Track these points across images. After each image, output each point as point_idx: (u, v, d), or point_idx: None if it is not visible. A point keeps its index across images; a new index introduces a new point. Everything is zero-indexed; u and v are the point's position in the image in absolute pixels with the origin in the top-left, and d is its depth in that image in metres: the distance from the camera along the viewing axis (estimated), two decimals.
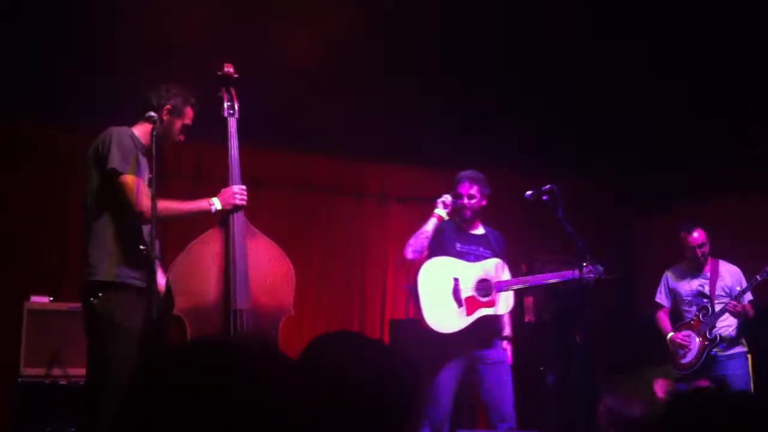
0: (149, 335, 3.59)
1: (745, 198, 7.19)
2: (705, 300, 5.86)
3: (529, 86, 6.55)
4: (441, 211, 5.09)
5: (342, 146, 7.32)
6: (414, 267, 5.02)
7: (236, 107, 4.13)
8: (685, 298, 5.93)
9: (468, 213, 5.15)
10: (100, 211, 3.81)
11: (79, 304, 3.91)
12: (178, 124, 4.02)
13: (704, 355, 5.70)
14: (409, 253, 5.01)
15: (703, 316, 5.78)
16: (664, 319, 6.04)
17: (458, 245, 5.09)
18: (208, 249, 3.92)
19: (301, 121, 6.72)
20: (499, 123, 6.84)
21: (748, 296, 5.76)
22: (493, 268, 5.07)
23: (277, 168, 7.31)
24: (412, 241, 5.03)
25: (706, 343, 5.71)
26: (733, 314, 5.69)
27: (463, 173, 5.23)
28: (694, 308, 5.89)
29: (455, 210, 5.14)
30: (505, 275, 5.08)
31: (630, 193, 8.21)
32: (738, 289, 5.73)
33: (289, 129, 6.77)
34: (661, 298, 6.09)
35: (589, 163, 7.61)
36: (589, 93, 6.38)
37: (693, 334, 5.79)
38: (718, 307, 5.77)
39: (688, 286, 5.94)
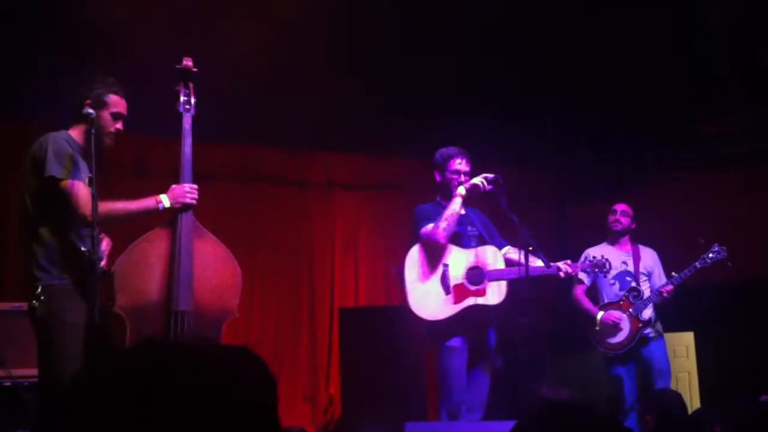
0: (93, 334, 3.56)
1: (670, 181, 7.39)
2: (629, 279, 5.92)
3: (477, 73, 6.62)
4: (463, 191, 4.87)
5: (285, 136, 7.27)
6: (432, 244, 4.84)
7: (193, 102, 4.07)
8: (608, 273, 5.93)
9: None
10: (41, 217, 3.77)
11: (21, 303, 3.89)
12: (105, 114, 3.86)
13: (637, 337, 5.77)
14: (443, 238, 4.82)
15: (633, 298, 5.82)
16: (583, 297, 6.01)
17: None
18: (153, 247, 3.87)
19: (244, 111, 6.69)
20: (446, 110, 6.87)
21: (665, 279, 5.86)
22: (486, 255, 4.93)
23: (220, 159, 7.23)
24: (443, 224, 4.80)
25: (639, 325, 5.78)
26: (658, 299, 5.79)
27: (455, 149, 5.06)
28: (617, 286, 5.93)
29: (448, 187, 4.97)
30: (499, 264, 4.93)
31: (569, 181, 8.33)
32: (674, 274, 5.75)
33: (232, 120, 6.71)
34: (582, 274, 5.95)
35: (530, 152, 7.70)
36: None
37: (623, 314, 5.82)
38: (642, 288, 5.86)
39: (611, 261, 5.74)
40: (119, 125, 3.92)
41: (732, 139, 7.24)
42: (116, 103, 3.91)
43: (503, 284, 4.89)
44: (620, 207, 6.12)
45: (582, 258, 5.95)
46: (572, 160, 8.05)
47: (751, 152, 7.02)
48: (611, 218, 6.09)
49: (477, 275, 4.88)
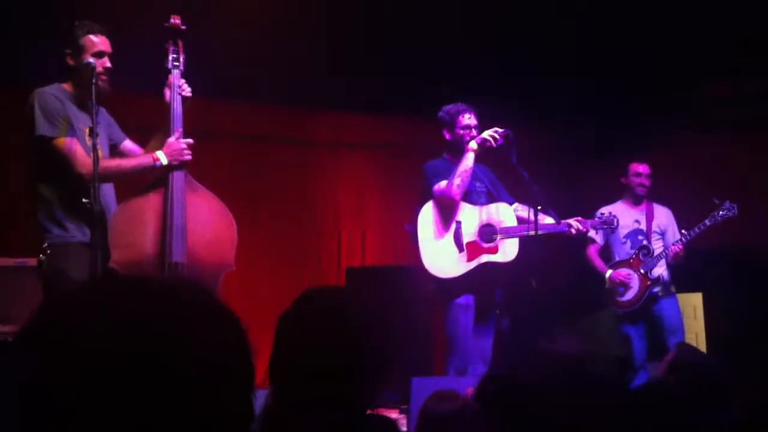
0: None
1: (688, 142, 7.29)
2: (641, 238, 5.86)
3: (491, 44, 6.54)
4: (475, 145, 4.79)
5: (291, 94, 7.21)
6: (445, 201, 4.79)
7: (181, 59, 4.03)
8: (620, 231, 5.85)
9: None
10: (39, 175, 3.79)
11: (25, 259, 3.90)
12: (87, 58, 3.76)
13: (646, 294, 5.72)
14: (458, 194, 4.76)
15: (643, 256, 5.77)
16: (595, 256, 5.97)
17: None
18: (147, 202, 3.84)
19: (249, 70, 6.62)
20: (454, 72, 6.78)
21: (678, 237, 5.79)
22: (499, 212, 4.89)
23: (225, 118, 7.18)
24: (457, 181, 4.73)
25: (648, 283, 5.72)
26: (670, 258, 5.73)
27: (462, 104, 4.97)
28: (628, 245, 5.88)
29: (459, 144, 4.88)
30: (511, 221, 4.88)
31: (582, 143, 8.24)
32: (683, 232, 5.70)
33: (237, 78, 6.65)
34: (593, 233, 5.92)
35: (539, 114, 7.60)
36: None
37: (633, 272, 5.77)
38: (653, 247, 5.80)
39: (624, 219, 5.80)
40: (105, 62, 3.83)
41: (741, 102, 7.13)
42: (94, 43, 3.82)
43: (515, 241, 4.84)
44: (644, 169, 5.97)
45: (596, 217, 5.90)
46: (581, 122, 7.93)
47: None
48: (636, 181, 5.94)
49: (489, 232, 4.84)
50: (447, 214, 4.84)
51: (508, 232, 4.84)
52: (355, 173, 7.88)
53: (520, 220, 4.89)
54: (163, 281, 1.01)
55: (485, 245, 4.82)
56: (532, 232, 4.71)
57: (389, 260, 7.77)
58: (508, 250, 4.83)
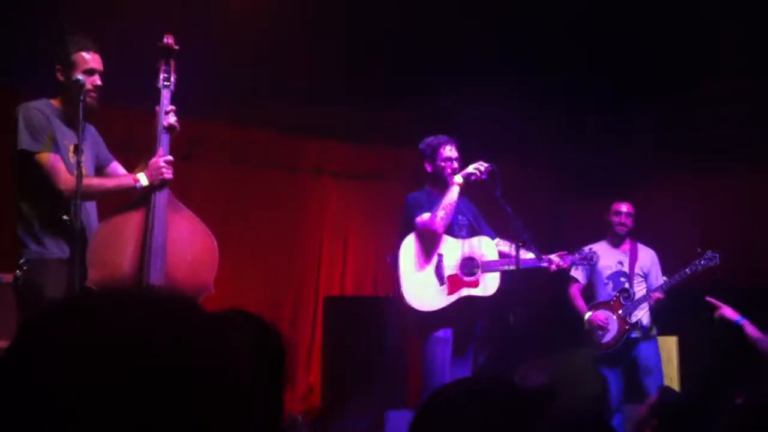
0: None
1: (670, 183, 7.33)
2: (623, 280, 5.85)
3: (476, 69, 6.58)
4: (460, 179, 4.82)
5: (277, 120, 7.21)
6: (428, 234, 4.79)
7: (173, 80, 4.00)
8: (603, 273, 5.87)
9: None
10: (21, 189, 3.76)
11: (2, 275, 3.86)
12: (77, 74, 3.74)
13: (624, 338, 5.70)
14: (441, 227, 4.77)
15: (623, 299, 5.74)
16: (577, 296, 5.95)
17: None
18: (128, 221, 3.79)
19: (236, 93, 6.62)
20: (433, 102, 6.82)
21: (661, 281, 5.80)
22: (481, 245, 4.89)
23: (210, 141, 7.16)
24: (441, 213, 4.74)
25: (626, 327, 5.70)
26: (654, 306, 5.72)
27: (443, 136, 4.99)
28: (610, 286, 5.85)
29: (441, 176, 4.90)
30: (493, 255, 4.88)
31: (565, 178, 8.28)
32: (664, 279, 5.73)
33: (223, 101, 6.65)
34: (577, 272, 5.95)
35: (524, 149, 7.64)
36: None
37: (611, 315, 5.75)
38: (635, 290, 5.78)
39: (607, 261, 5.84)
40: (96, 80, 3.81)
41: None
42: (86, 60, 3.80)
43: (496, 276, 4.85)
44: (625, 207, 5.95)
45: None
46: (570, 153, 7.96)
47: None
48: (615, 220, 5.92)
49: (471, 266, 4.84)
50: (429, 246, 4.83)
51: (489, 266, 4.84)
52: (338, 201, 7.87)
53: (501, 254, 4.90)
54: (146, 293, 0.99)
55: (466, 279, 4.82)
56: (512, 267, 4.74)
57: (369, 290, 7.75)
58: (488, 285, 4.83)
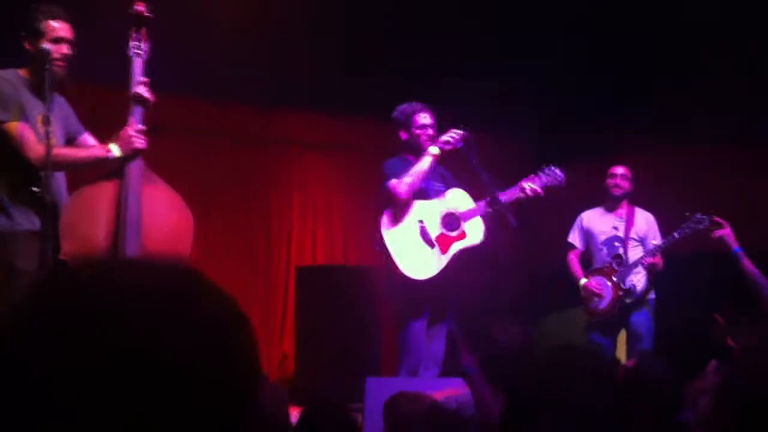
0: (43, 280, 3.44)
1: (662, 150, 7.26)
2: (617, 245, 5.77)
3: (457, 44, 6.56)
4: (436, 150, 4.79)
5: (246, 91, 7.14)
6: (393, 199, 4.79)
7: (144, 48, 3.89)
8: (598, 238, 5.81)
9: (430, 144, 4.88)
10: None
11: None
12: (44, 43, 3.63)
13: (617, 305, 5.62)
14: (405, 193, 4.74)
15: (617, 265, 5.65)
16: (574, 261, 5.89)
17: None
18: (102, 192, 3.71)
19: (207, 65, 6.55)
20: (409, 71, 6.79)
21: (651, 245, 5.68)
22: (455, 199, 4.90)
23: (179, 113, 7.06)
24: (408, 179, 4.73)
25: (620, 293, 5.60)
26: (648, 270, 5.67)
27: (416, 104, 4.96)
28: (605, 251, 5.78)
29: (416, 143, 4.88)
30: (468, 203, 4.90)
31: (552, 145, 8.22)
32: (654, 243, 5.64)
33: (194, 73, 6.56)
34: (574, 238, 5.90)
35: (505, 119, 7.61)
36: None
37: (605, 281, 5.65)
38: (631, 255, 5.70)
39: (602, 226, 5.78)
40: (63, 49, 3.71)
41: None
42: (54, 28, 3.70)
43: (479, 221, 4.88)
44: (619, 170, 5.82)
45: (576, 221, 5.93)
46: (550, 125, 7.92)
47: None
48: (610, 182, 5.80)
49: (452, 220, 4.85)
50: (405, 217, 4.82)
51: (469, 215, 4.87)
52: (308, 173, 7.83)
53: (477, 202, 4.93)
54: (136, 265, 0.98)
55: (453, 234, 4.84)
56: (489, 208, 4.81)
57: (338, 260, 7.75)
58: (475, 232, 4.87)
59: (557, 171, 5.11)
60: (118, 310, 0.82)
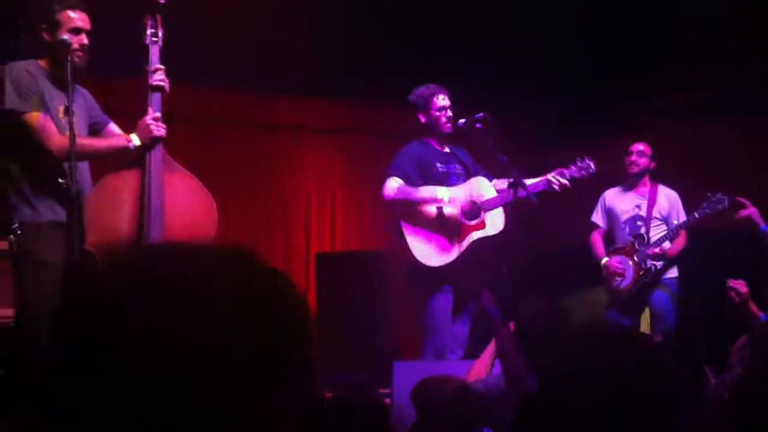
0: (71, 271, 3.47)
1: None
2: (640, 224, 5.75)
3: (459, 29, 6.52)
4: (446, 196, 4.78)
5: (256, 78, 7.11)
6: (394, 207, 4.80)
7: (160, 35, 3.89)
8: (620, 217, 5.80)
9: (450, 127, 4.85)
10: (12, 152, 3.67)
11: None
12: (63, 34, 3.62)
13: (638, 284, 5.62)
14: (391, 199, 4.77)
15: (638, 245, 5.65)
16: (597, 241, 5.87)
17: (439, 165, 4.87)
18: (124, 182, 3.73)
19: (215, 53, 6.53)
20: (419, 54, 6.76)
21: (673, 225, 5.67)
22: (477, 187, 4.84)
23: (190, 102, 7.05)
24: (403, 196, 4.75)
25: (641, 273, 5.61)
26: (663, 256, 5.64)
27: (433, 86, 4.91)
28: (627, 231, 5.77)
29: (436, 126, 4.84)
30: (491, 193, 4.83)
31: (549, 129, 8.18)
32: (675, 222, 5.63)
33: (204, 61, 6.55)
34: (597, 218, 5.90)
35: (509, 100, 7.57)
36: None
37: (627, 261, 5.65)
38: (653, 234, 5.69)
39: (624, 205, 5.78)
40: (82, 39, 3.69)
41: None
42: (72, 19, 3.67)
43: (500, 212, 4.81)
44: (636, 147, 5.79)
45: (599, 201, 5.89)
46: (552, 106, 7.89)
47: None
48: (627, 160, 5.78)
49: (473, 209, 4.79)
50: (424, 205, 4.79)
51: (490, 204, 4.79)
52: (322, 158, 7.82)
53: (499, 191, 4.85)
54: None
55: (472, 223, 4.77)
56: (511, 198, 4.69)
57: (356, 245, 7.75)
58: (495, 222, 4.78)
59: (591, 164, 4.98)
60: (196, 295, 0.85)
